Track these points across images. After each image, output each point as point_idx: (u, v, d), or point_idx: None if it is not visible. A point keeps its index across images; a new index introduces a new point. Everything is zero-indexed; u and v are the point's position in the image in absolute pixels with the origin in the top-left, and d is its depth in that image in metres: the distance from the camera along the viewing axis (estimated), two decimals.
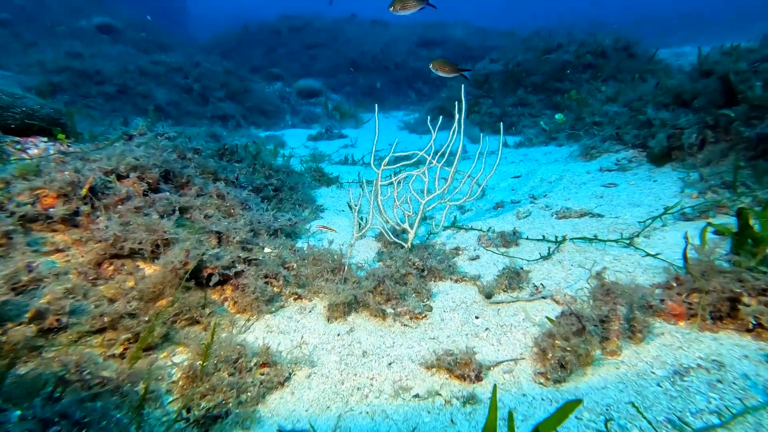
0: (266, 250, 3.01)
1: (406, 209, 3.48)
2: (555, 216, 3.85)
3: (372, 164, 3.37)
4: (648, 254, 2.78)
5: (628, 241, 2.99)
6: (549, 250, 3.08)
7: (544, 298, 2.59)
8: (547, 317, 2.31)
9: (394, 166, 3.46)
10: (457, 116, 3.24)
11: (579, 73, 9.24)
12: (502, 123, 3.45)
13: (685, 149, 4.06)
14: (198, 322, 2.48)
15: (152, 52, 11.92)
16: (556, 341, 2.06)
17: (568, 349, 2.01)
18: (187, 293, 2.44)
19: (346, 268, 2.96)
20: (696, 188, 3.59)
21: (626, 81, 8.76)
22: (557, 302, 2.52)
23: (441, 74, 4.63)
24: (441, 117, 3.55)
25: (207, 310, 2.40)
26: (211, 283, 2.48)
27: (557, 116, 6.52)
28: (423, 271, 3.09)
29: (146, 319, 2.15)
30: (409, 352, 2.37)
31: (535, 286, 2.73)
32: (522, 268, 2.90)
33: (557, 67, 9.38)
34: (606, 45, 9.46)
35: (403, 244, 3.43)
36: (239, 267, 2.52)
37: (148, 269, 2.42)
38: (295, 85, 14.38)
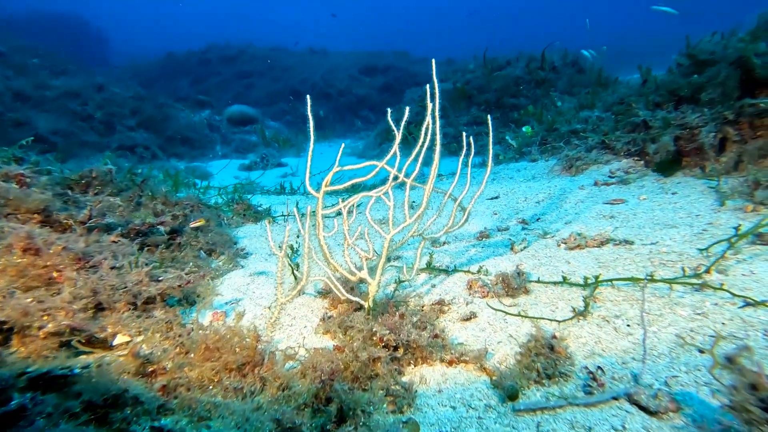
0: (118, 339, 1.69)
1: (362, 249, 2.30)
2: (563, 245, 2.83)
3: (307, 182, 2.19)
4: (752, 302, 1.78)
5: (698, 283, 1.99)
6: (586, 302, 2.00)
7: (615, 398, 1.48)
8: None
9: (341, 187, 2.30)
10: (429, 105, 2.17)
11: (533, 88, 8.74)
12: (489, 116, 2.42)
13: (705, 152, 3.26)
14: None
15: (45, 79, 10.09)
16: None
17: None
18: None
19: (267, 360, 1.71)
20: (747, 199, 2.73)
21: (581, 94, 8.35)
22: (645, 410, 1.41)
23: None
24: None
25: None
26: None
27: (525, 129, 5.73)
28: (396, 349, 1.90)
29: None
30: None
31: (589, 371, 1.61)
32: (554, 336, 1.78)
33: (509, 83, 8.83)
34: (555, 60, 9.11)
35: (361, 302, 2.23)
36: (18, 400, 1.19)
37: None
38: (225, 111, 13.01)
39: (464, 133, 2.29)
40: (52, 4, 24.15)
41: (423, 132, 2.11)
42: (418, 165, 2.21)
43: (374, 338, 1.85)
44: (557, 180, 4.29)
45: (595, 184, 3.87)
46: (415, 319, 2.18)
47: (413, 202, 4.25)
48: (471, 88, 9.17)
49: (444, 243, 3.27)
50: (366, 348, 1.76)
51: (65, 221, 2.23)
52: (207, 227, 3.40)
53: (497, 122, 8.51)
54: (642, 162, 3.94)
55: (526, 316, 2.02)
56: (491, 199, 4.15)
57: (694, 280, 2.01)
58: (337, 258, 3.01)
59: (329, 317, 2.27)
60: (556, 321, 1.95)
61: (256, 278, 2.90)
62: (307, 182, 2.20)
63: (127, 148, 8.81)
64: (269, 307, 2.46)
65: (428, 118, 2.13)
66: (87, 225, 2.26)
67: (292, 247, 3.38)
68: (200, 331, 1.63)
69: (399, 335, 1.90)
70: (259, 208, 4.30)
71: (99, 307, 1.74)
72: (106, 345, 1.61)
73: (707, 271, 2.05)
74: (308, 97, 2.25)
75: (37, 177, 2.38)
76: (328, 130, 15.07)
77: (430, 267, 2.78)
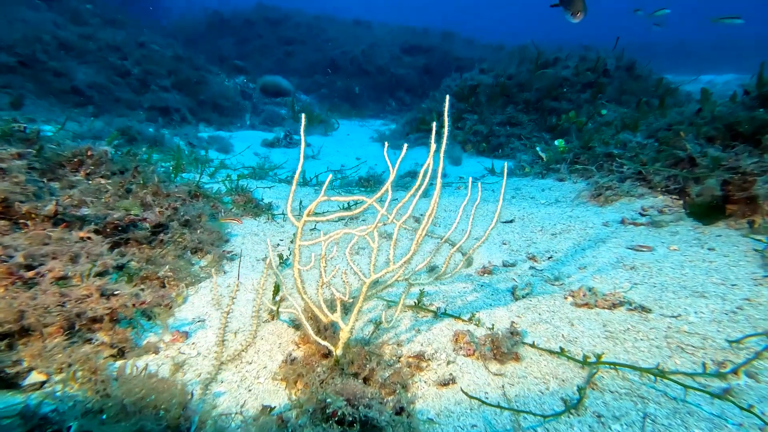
0: (32, 377, 1.54)
1: (339, 286, 2.07)
2: (571, 299, 2.52)
3: (289, 211, 1.94)
4: None
5: (718, 393, 1.66)
6: (580, 394, 1.72)
7: None
8: None
9: (327, 218, 2.06)
10: (433, 145, 1.87)
11: (578, 92, 8.09)
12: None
13: (758, 205, 2.82)
14: None
15: (95, 27, 10.17)
16: None
17: None
18: None
19: (193, 430, 1.53)
20: None
21: (630, 104, 7.69)
22: None
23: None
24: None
25: None
26: None
27: (557, 142, 5.28)
28: (353, 425, 1.68)
29: None
30: None
31: None
32: None
33: (554, 84, 8.20)
34: (608, 62, 8.37)
35: (330, 347, 2.02)
36: None
37: None
38: (259, 80, 12.84)
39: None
40: None
41: (421, 175, 1.82)
42: (413, 203, 1.94)
43: (327, 410, 1.64)
44: (581, 209, 3.90)
45: (622, 222, 3.46)
46: (386, 375, 1.98)
47: (421, 215, 3.96)
48: (512, 85, 8.60)
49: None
50: (314, 426, 1.56)
51: (29, 214, 2.09)
52: (198, 222, 3.25)
53: (532, 125, 7.97)
54: (681, 202, 3.50)
55: (506, 408, 1.75)
56: (505, 222, 3.81)
57: (716, 381, 1.68)
58: (311, 291, 2.79)
59: (293, 359, 2.07)
60: (542, 417, 1.68)
61: (244, 283, 2.73)
62: (289, 210, 1.97)
63: (158, 109, 8.80)
64: (236, 333, 2.29)
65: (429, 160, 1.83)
66: (54, 219, 2.12)
67: (281, 256, 3.19)
68: (124, 385, 1.46)
69: (357, 408, 1.68)
70: (261, 202, 4.13)
71: (23, 332, 1.60)
72: (15, 384, 1.47)
73: (734, 372, 1.72)
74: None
75: (12, 161, 2.24)
76: (362, 108, 14.77)
77: (419, 305, 2.53)
